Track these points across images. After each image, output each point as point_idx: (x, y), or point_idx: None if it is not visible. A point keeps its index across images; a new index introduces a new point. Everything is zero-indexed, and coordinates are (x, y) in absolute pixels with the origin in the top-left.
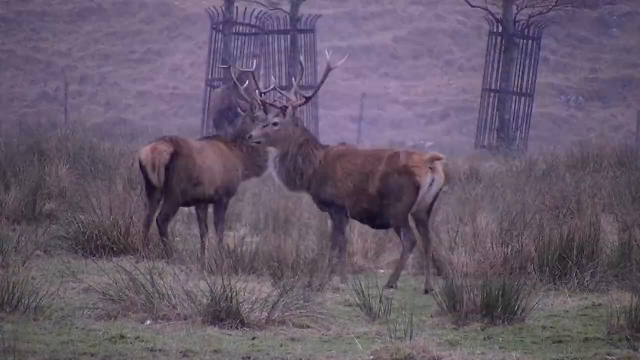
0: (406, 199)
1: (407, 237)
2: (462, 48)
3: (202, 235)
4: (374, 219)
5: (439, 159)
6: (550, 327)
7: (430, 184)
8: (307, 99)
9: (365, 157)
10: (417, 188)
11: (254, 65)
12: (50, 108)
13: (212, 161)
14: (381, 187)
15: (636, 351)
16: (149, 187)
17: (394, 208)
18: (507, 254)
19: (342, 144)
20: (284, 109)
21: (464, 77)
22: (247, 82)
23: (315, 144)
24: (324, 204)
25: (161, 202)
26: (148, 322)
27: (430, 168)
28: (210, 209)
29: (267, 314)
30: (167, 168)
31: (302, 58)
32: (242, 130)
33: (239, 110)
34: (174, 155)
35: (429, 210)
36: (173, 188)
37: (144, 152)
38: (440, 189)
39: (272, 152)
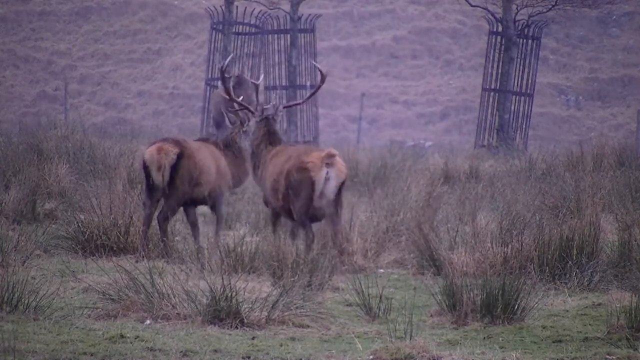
0: (304, 194)
1: (308, 233)
2: (462, 48)
3: (195, 237)
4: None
5: (334, 155)
6: (550, 326)
7: (327, 179)
8: (293, 105)
9: (284, 157)
10: (313, 184)
11: (261, 79)
12: (50, 108)
13: (209, 163)
14: (286, 185)
15: (636, 351)
16: (150, 187)
17: (296, 204)
18: (507, 253)
19: (290, 144)
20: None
21: (464, 77)
22: (243, 93)
23: (268, 144)
24: (267, 201)
25: (162, 202)
26: (148, 321)
27: (327, 164)
28: (202, 210)
29: (267, 314)
30: (173, 168)
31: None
32: (231, 139)
33: (227, 122)
34: (180, 156)
35: (336, 205)
36: (177, 188)
37: (149, 153)
38: (343, 183)
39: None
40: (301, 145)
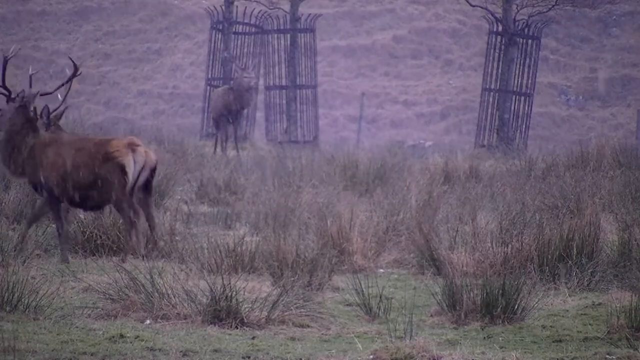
0: (117, 181)
1: (127, 218)
2: (462, 47)
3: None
4: (86, 202)
5: (138, 144)
6: (550, 326)
7: (135, 163)
8: (46, 94)
9: (72, 146)
10: (123, 169)
11: (31, 71)
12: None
13: None
14: (91, 175)
15: (636, 351)
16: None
17: (110, 192)
18: (507, 253)
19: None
20: (14, 97)
21: (464, 77)
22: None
23: (31, 131)
24: (36, 188)
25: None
26: (148, 321)
27: (132, 150)
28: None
29: (267, 314)
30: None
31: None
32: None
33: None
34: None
35: (146, 190)
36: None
37: (146, 154)
38: (152, 172)
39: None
40: (79, 134)
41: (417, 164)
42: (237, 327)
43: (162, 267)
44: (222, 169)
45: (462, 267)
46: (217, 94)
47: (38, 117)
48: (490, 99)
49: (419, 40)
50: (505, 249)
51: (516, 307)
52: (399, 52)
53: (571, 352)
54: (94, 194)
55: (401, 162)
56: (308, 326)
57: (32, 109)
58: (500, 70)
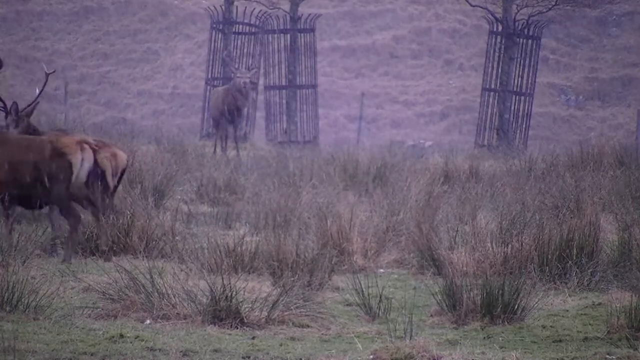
0: (64, 178)
1: (70, 215)
2: (461, 47)
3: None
4: (30, 201)
5: (88, 142)
6: (550, 326)
7: (82, 163)
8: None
9: (17, 146)
10: (71, 167)
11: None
12: (50, 107)
13: None
14: (37, 173)
15: (636, 351)
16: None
17: (54, 189)
18: (507, 253)
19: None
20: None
21: (464, 77)
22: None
23: None
24: None
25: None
26: (148, 321)
27: (81, 149)
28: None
29: (267, 314)
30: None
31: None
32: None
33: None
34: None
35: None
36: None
37: (117, 155)
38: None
39: None
40: (25, 135)
41: (417, 164)
42: (237, 327)
43: (162, 267)
44: (222, 169)
45: (462, 267)
46: (216, 94)
47: (7, 113)
48: (490, 99)
49: (419, 40)
50: (505, 249)
51: (516, 307)
52: (399, 52)
53: (571, 352)
54: (38, 191)
55: (401, 162)
56: (308, 326)
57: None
58: (500, 70)
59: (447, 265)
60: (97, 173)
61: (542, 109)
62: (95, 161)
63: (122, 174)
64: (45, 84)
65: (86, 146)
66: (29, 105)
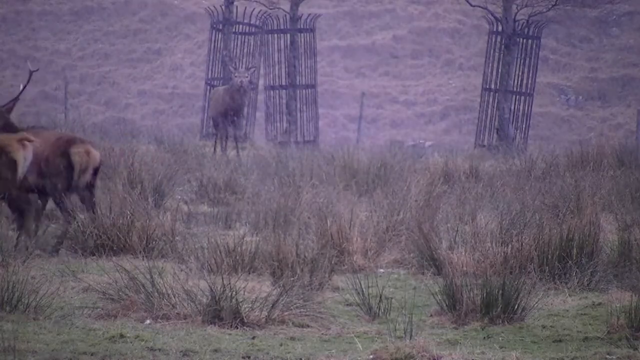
0: (9, 175)
1: (18, 213)
2: (461, 47)
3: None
4: None
5: (30, 140)
6: (550, 326)
7: (24, 160)
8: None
9: None
10: (15, 163)
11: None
12: (50, 107)
13: None
14: None
15: (636, 351)
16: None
17: (2, 187)
18: (507, 253)
19: None
20: None
21: (464, 77)
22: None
23: None
24: None
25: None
26: (148, 321)
27: (22, 146)
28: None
29: (267, 313)
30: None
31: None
32: None
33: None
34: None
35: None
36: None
37: (91, 153)
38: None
39: None
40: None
41: (417, 164)
42: (237, 327)
43: (162, 267)
44: (222, 169)
45: (462, 267)
46: (216, 94)
47: None
48: (490, 99)
49: (419, 40)
50: (505, 249)
51: (516, 307)
52: (399, 52)
53: (571, 352)
54: None
55: (401, 162)
56: (308, 326)
57: None
58: (500, 70)
59: (447, 265)
60: (67, 167)
61: (542, 109)
62: (68, 155)
63: (95, 172)
64: (28, 81)
65: (27, 144)
66: (9, 102)
